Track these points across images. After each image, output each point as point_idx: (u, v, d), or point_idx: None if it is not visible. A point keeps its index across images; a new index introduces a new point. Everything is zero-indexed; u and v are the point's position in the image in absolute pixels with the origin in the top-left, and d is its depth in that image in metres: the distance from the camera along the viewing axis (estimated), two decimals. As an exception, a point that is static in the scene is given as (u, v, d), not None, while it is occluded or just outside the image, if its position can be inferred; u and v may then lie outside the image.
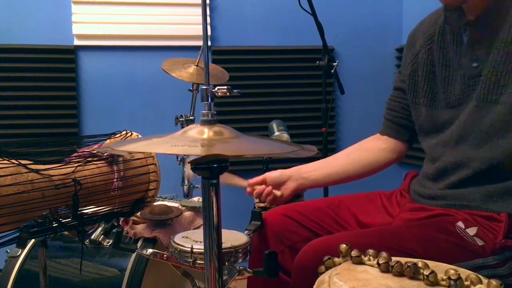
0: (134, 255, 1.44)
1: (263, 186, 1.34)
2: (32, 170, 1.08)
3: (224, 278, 0.99)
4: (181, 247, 1.15)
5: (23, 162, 1.08)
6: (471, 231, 1.06)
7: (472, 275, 0.71)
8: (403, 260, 0.77)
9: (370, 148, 1.39)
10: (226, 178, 1.35)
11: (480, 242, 1.04)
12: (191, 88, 2.07)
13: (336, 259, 0.85)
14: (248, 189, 1.37)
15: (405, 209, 1.25)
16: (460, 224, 1.07)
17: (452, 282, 0.70)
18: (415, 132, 1.34)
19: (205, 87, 0.87)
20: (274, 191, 1.35)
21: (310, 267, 0.92)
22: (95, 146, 1.31)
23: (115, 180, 1.29)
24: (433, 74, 1.21)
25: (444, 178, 1.17)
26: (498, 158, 1.07)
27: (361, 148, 1.42)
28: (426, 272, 0.72)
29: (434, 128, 1.21)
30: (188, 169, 1.40)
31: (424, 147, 1.26)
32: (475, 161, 1.10)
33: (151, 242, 1.48)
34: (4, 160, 1.05)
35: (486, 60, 1.08)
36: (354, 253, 0.82)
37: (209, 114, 0.84)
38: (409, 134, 1.36)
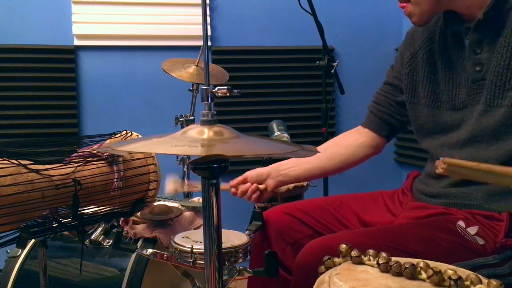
0: (134, 255, 1.44)
1: (247, 184, 1.36)
2: (32, 170, 1.08)
3: (224, 278, 0.99)
4: (181, 247, 1.15)
5: (23, 162, 1.08)
6: (472, 230, 1.06)
7: (472, 275, 0.71)
8: (402, 260, 0.77)
9: (348, 143, 1.41)
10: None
11: (481, 241, 1.05)
12: (191, 88, 2.06)
13: (336, 259, 0.85)
14: (232, 190, 1.38)
15: (407, 207, 1.25)
16: (461, 223, 1.07)
17: (452, 283, 0.70)
18: (395, 129, 1.37)
19: (205, 87, 0.87)
20: (258, 185, 1.36)
21: (310, 267, 0.92)
22: (95, 146, 1.31)
23: (115, 180, 1.29)
24: (434, 75, 1.21)
25: (446, 177, 1.17)
26: (502, 159, 1.07)
27: (339, 143, 1.44)
28: (430, 273, 0.72)
29: (436, 128, 1.21)
30: (168, 183, 1.41)
31: (427, 147, 1.26)
32: (478, 162, 1.10)
33: (151, 242, 1.48)
34: (4, 160, 1.05)
35: (489, 64, 1.09)
36: (354, 253, 0.82)
37: (209, 114, 0.84)
38: (389, 130, 1.37)
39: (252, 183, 1.36)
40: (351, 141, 1.41)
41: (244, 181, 1.38)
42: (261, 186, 1.36)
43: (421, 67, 1.24)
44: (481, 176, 0.79)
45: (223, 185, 1.39)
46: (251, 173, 1.38)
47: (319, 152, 0.84)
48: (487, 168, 0.76)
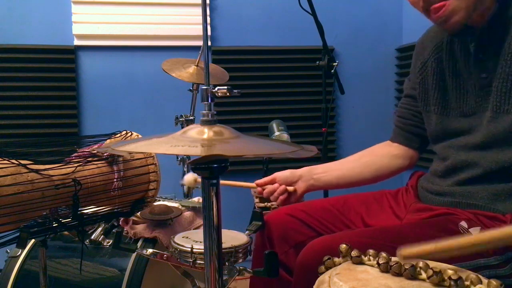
0: (134, 255, 1.44)
1: (275, 185, 1.32)
2: (32, 170, 1.09)
3: (224, 278, 0.99)
4: (181, 247, 1.15)
5: (23, 162, 1.08)
6: (474, 231, 1.06)
7: (472, 275, 0.71)
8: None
9: (383, 154, 1.39)
10: (229, 181, 1.34)
11: None
12: (191, 88, 2.07)
13: (336, 259, 0.85)
14: (258, 189, 1.34)
15: (411, 210, 1.24)
16: (463, 223, 1.07)
17: (452, 283, 0.70)
18: (425, 139, 1.34)
19: (205, 87, 0.87)
20: (287, 187, 1.32)
21: (311, 267, 0.92)
22: (95, 146, 1.31)
23: (115, 180, 1.29)
24: (443, 82, 1.21)
25: (453, 176, 1.17)
26: (510, 161, 1.07)
27: (373, 153, 1.41)
28: (430, 273, 0.72)
29: (445, 135, 1.21)
30: (189, 175, 1.40)
31: (435, 149, 1.26)
32: (486, 161, 1.10)
33: (151, 242, 1.48)
34: (4, 160, 1.05)
35: (494, 71, 1.09)
36: (354, 253, 0.82)
37: (209, 114, 0.84)
38: (419, 141, 1.35)
39: (280, 184, 1.32)
40: (385, 152, 1.38)
41: (272, 182, 1.33)
42: (290, 188, 1.32)
43: (431, 75, 1.24)
44: (445, 255, 0.78)
45: (249, 184, 1.37)
46: (281, 174, 1.34)
47: (319, 152, 0.84)
48: (447, 247, 0.75)
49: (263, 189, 1.33)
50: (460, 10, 1.06)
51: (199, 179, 1.40)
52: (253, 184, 1.36)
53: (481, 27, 1.09)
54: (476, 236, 0.75)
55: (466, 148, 1.15)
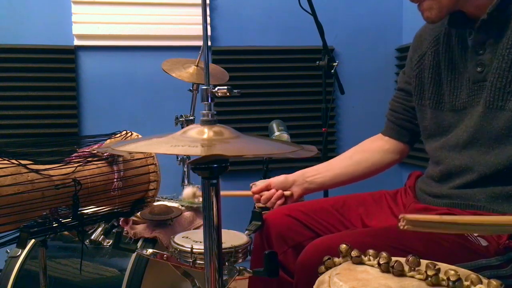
0: (134, 255, 1.44)
1: (272, 190, 1.34)
2: (32, 170, 1.09)
3: (224, 278, 0.99)
4: (181, 247, 1.15)
5: (23, 162, 1.08)
6: None
7: (473, 275, 0.71)
8: (403, 259, 0.77)
9: (373, 149, 1.40)
10: (226, 192, 1.36)
11: (484, 243, 1.04)
12: (191, 88, 2.07)
13: (336, 259, 0.85)
14: (256, 196, 1.36)
15: (410, 209, 1.24)
16: None
17: (451, 284, 0.70)
18: (416, 134, 1.35)
19: (205, 87, 0.87)
20: (284, 192, 1.34)
21: (312, 267, 0.92)
22: (95, 146, 1.31)
23: (115, 180, 1.29)
24: (439, 76, 1.21)
25: (448, 181, 1.17)
26: (504, 164, 1.06)
27: (364, 149, 1.42)
28: (431, 273, 0.72)
29: (439, 130, 1.21)
30: (188, 188, 1.41)
31: (428, 150, 1.26)
32: (480, 166, 1.10)
33: (151, 242, 1.48)
34: (4, 160, 1.05)
35: (490, 65, 1.08)
36: (354, 253, 0.82)
37: (209, 114, 0.84)
38: (410, 136, 1.36)
39: (277, 190, 1.34)
40: (376, 147, 1.40)
41: (267, 188, 1.35)
42: (287, 193, 1.34)
43: (427, 68, 1.23)
44: (446, 228, 0.77)
45: (244, 192, 1.39)
46: (275, 180, 1.36)
47: (319, 152, 0.84)
48: (451, 220, 0.74)
49: (261, 196, 1.35)
50: (432, 9, 1.10)
51: (199, 193, 1.40)
52: (249, 192, 1.37)
53: (480, 19, 1.08)
54: (483, 217, 0.75)
55: (458, 148, 1.14)
